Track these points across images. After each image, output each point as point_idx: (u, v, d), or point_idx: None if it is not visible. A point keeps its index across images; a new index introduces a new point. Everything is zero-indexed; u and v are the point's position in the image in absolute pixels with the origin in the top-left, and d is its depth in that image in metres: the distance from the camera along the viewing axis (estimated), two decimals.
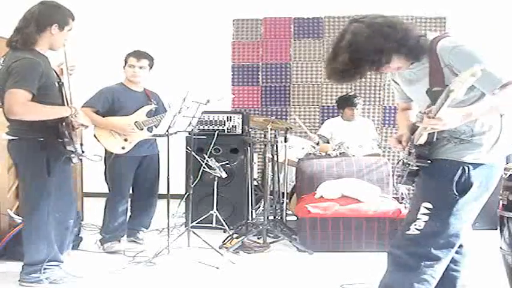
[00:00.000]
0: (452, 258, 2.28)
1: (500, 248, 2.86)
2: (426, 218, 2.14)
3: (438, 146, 2.16)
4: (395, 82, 2.42)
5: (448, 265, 2.28)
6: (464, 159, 2.11)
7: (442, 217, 2.13)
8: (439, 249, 2.15)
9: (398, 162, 2.35)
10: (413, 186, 2.32)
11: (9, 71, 2.94)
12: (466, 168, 2.11)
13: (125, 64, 4.15)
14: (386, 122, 6.46)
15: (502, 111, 2.11)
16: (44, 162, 3.07)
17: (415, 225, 2.15)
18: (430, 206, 2.14)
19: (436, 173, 2.16)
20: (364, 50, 2.03)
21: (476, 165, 2.11)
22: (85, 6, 5.88)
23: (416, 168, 2.18)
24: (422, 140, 2.15)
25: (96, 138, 4.00)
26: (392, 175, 4.64)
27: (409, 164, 2.23)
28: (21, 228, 3.29)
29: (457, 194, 2.11)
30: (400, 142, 2.31)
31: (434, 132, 2.10)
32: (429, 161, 2.15)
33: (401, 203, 4.76)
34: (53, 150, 3.09)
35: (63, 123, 3.10)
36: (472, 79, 1.75)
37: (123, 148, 4.01)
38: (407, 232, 2.17)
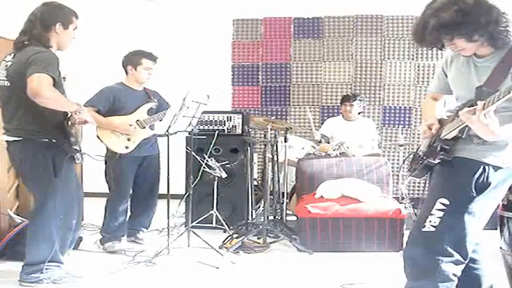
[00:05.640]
0: (471, 258, 2.28)
1: (500, 248, 2.86)
2: (441, 213, 2.16)
3: (461, 144, 2.19)
4: (444, 73, 2.38)
5: (469, 265, 2.28)
6: (485, 159, 2.14)
7: (457, 214, 2.15)
8: (455, 246, 2.16)
9: (409, 155, 2.35)
10: (423, 180, 2.31)
11: (30, 62, 2.92)
12: (487, 168, 2.13)
13: (136, 65, 4.09)
14: (387, 122, 6.46)
15: None
16: (50, 163, 3.07)
17: (430, 221, 2.17)
18: (446, 202, 2.16)
19: (457, 171, 2.20)
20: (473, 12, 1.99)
21: (495, 167, 2.14)
22: (86, 6, 5.89)
23: (436, 162, 2.21)
24: (451, 135, 2.18)
25: (99, 138, 3.99)
26: (396, 171, 4.57)
27: (425, 157, 2.26)
28: (23, 228, 3.28)
29: (474, 192, 2.14)
30: (430, 129, 2.34)
31: (465, 129, 2.12)
32: (453, 156, 2.18)
33: (401, 203, 4.76)
34: (58, 150, 3.09)
35: (68, 123, 3.11)
36: None
37: (126, 148, 4.00)
38: (424, 229, 2.19)
